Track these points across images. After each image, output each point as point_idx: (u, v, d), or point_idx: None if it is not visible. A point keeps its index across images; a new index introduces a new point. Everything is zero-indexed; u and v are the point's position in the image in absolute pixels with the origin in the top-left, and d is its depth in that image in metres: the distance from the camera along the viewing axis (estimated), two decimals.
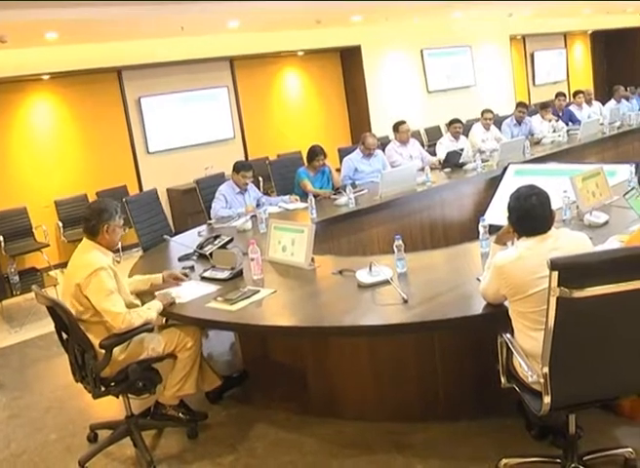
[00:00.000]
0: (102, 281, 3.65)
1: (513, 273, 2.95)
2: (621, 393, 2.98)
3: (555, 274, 2.53)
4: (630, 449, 3.18)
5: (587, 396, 2.85)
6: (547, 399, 2.74)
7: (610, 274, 2.57)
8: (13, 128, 8.59)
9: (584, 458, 3.09)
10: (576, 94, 11.50)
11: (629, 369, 2.80)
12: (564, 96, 11.00)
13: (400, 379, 3.86)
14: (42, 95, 8.79)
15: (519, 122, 9.61)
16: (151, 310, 3.83)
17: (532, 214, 3.00)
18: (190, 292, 4.17)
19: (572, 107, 11.14)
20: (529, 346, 2.91)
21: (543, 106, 10.15)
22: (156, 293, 4.11)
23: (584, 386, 2.80)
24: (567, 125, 9.85)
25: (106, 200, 3.98)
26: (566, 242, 3.01)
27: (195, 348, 3.92)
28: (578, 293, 2.55)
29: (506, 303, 3.16)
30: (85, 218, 3.87)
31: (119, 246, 7.39)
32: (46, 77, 8.59)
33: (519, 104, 9.93)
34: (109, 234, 3.82)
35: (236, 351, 5.09)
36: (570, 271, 2.55)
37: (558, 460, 3.11)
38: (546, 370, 2.71)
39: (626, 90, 12.18)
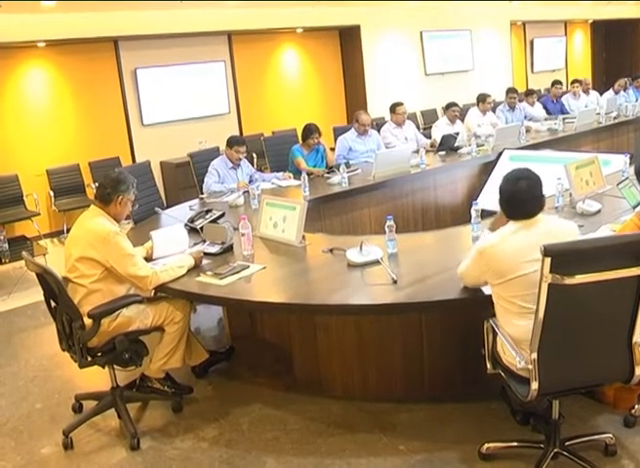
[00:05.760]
0: (121, 245, 3.73)
1: (495, 256, 2.95)
2: (606, 380, 3.01)
3: (548, 260, 2.53)
4: (610, 435, 3.22)
5: (573, 382, 2.87)
6: (535, 385, 2.76)
7: (601, 262, 2.58)
8: (6, 94, 8.50)
9: (566, 443, 3.12)
10: (572, 82, 11.48)
11: (615, 356, 2.82)
12: (560, 83, 11.03)
13: (386, 360, 3.87)
14: (37, 62, 8.68)
15: (512, 108, 9.61)
16: (183, 268, 3.95)
17: (519, 198, 2.99)
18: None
19: (568, 96, 11.15)
20: (513, 332, 2.91)
21: (528, 93, 10.18)
22: (188, 251, 4.20)
23: (571, 372, 2.81)
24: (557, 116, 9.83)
25: (125, 172, 4.02)
26: (553, 229, 3.00)
27: (183, 322, 3.92)
28: (569, 280, 2.55)
29: (488, 289, 3.17)
30: (101, 185, 3.91)
31: None
32: (41, 44, 8.49)
33: (510, 90, 9.89)
34: (121, 206, 3.88)
35: (224, 326, 5.09)
36: (562, 258, 2.55)
37: (541, 445, 3.14)
38: (535, 355, 2.72)
39: (625, 83, 12.16)
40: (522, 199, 2.99)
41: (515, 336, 2.90)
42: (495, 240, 3.01)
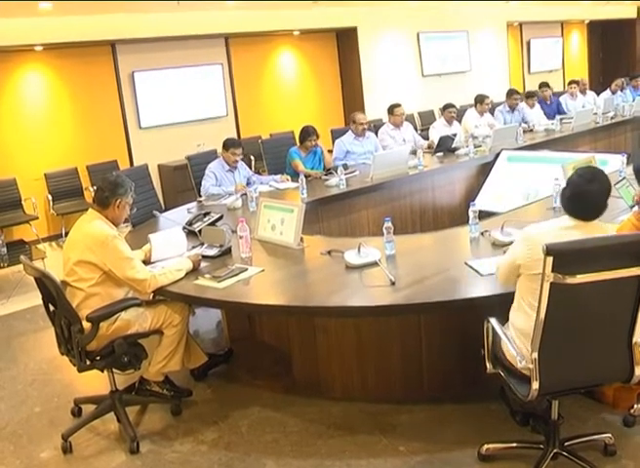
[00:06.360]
0: (119, 249, 3.73)
1: (537, 244, 2.76)
2: (606, 380, 3.01)
3: (550, 259, 2.53)
4: (609, 435, 3.23)
5: (574, 382, 2.87)
6: (536, 384, 2.76)
7: (602, 261, 2.59)
8: (3, 98, 8.50)
9: (566, 444, 3.12)
10: (570, 83, 11.50)
11: (615, 356, 2.82)
12: (547, 86, 10.96)
13: (385, 361, 3.87)
14: (34, 65, 8.68)
15: (512, 109, 9.60)
16: (181, 271, 3.93)
17: (586, 197, 2.87)
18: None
19: (565, 96, 11.16)
20: (527, 328, 2.81)
21: (528, 95, 10.19)
22: (186, 254, 4.22)
23: (572, 372, 2.81)
24: (554, 116, 9.80)
25: (123, 175, 4.04)
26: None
27: (182, 325, 3.91)
28: (570, 280, 2.55)
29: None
30: (99, 189, 3.92)
31: None
32: (39, 48, 8.49)
33: (512, 92, 9.86)
34: (119, 209, 3.89)
35: (222, 329, 5.09)
36: (564, 257, 2.55)
37: (540, 446, 3.14)
38: (536, 355, 2.72)
39: (622, 83, 12.17)
40: (589, 200, 2.88)
41: (527, 330, 2.80)
42: (543, 228, 2.93)
